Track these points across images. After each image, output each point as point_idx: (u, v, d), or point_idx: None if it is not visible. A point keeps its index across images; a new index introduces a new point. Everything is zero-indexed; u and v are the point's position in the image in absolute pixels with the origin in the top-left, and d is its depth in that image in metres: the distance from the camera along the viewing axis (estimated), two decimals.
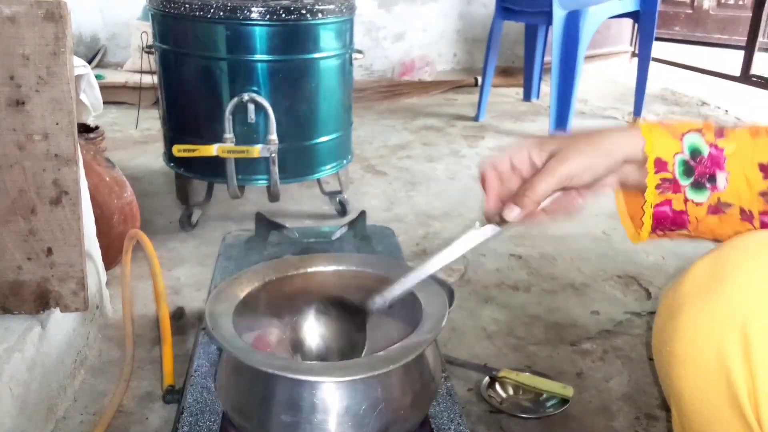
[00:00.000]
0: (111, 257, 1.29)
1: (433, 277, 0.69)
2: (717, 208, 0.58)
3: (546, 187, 0.58)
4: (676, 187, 0.58)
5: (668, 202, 0.59)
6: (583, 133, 0.60)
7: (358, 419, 0.60)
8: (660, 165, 0.58)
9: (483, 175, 0.63)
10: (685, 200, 0.58)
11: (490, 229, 0.61)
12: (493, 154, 0.62)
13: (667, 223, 0.60)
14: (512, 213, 0.59)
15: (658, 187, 0.58)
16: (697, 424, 0.54)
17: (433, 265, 0.65)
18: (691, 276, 0.54)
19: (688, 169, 0.57)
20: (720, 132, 0.57)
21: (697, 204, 0.58)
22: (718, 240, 0.60)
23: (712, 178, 0.57)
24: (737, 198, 0.57)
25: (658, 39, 3.02)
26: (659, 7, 2.71)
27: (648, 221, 0.60)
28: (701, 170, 0.57)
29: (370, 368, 0.59)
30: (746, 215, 0.58)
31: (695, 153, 0.57)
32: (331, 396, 0.60)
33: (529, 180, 0.59)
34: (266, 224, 1.13)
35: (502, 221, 0.60)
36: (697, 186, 0.58)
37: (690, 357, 0.51)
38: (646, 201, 0.59)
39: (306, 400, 0.59)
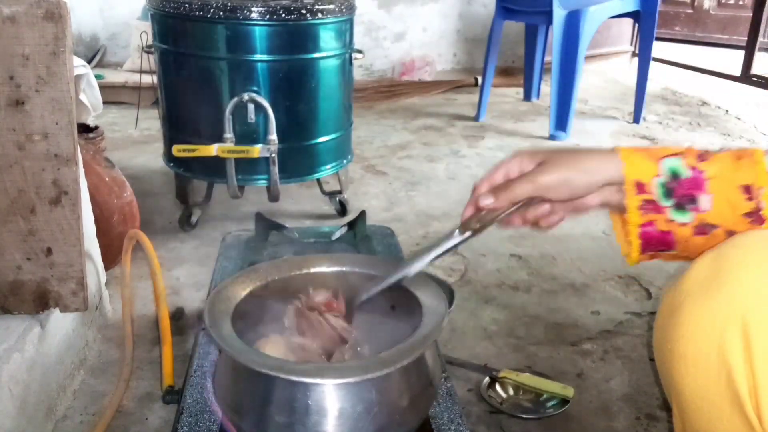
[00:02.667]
0: (111, 257, 1.29)
1: (433, 278, 0.69)
2: (702, 230, 0.58)
3: (522, 191, 0.61)
4: (657, 209, 0.59)
5: (652, 222, 0.60)
6: (570, 151, 0.63)
7: (352, 422, 0.60)
8: (639, 187, 0.59)
9: (475, 187, 0.65)
10: (669, 221, 0.59)
11: (466, 234, 0.64)
12: (489, 171, 0.65)
13: (655, 242, 0.61)
14: (486, 200, 0.62)
15: (640, 208, 0.60)
16: (698, 421, 0.54)
17: (413, 268, 0.66)
18: (692, 274, 0.54)
19: (667, 191, 0.58)
20: (702, 156, 0.58)
21: (681, 225, 0.59)
22: None
23: (694, 200, 0.58)
24: (722, 220, 0.57)
25: (658, 39, 3.01)
26: (659, 6, 2.71)
27: (635, 241, 0.62)
28: (681, 192, 0.58)
29: (364, 371, 0.59)
30: (731, 235, 0.58)
31: (674, 175, 0.58)
32: (325, 398, 0.59)
33: (510, 181, 0.63)
34: (266, 224, 1.13)
35: (478, 230, 0.63)
36: (679, 208, 0.58)
37: (691, 354, 0.51)
38: (630, 222, 0.61)
39: (300, 401, 0.59)
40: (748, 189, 0.56)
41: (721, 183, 0.57)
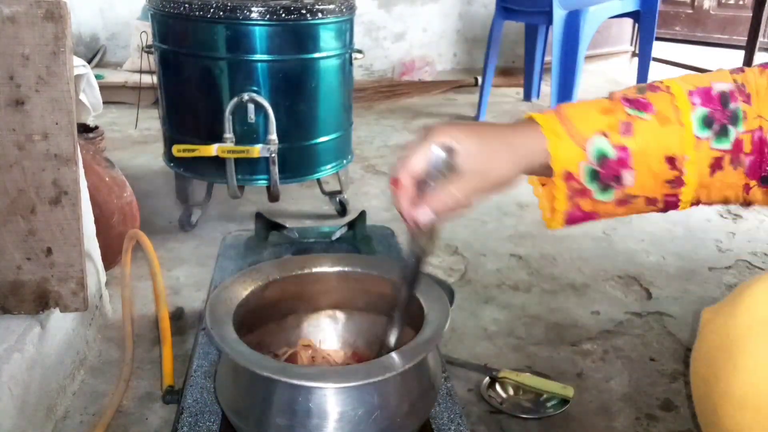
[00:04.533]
0: (111, 257, 1.29)
1: (433, 278, 0.69)
2: (623, 201, 0.59)
3: (447, 206, 0.55)
4: (583, 192, 0.58)
5: (577, 206, 0.60)
6: (485, 133, 0.57)
7: (353, 426, 0.59)
8: (568, 176, 0.58)
9: (395, 181, 0.58)
10: (594, 201, 0.59)
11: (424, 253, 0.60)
12: (402, 157, 0.57)
13: (579, 221, 0.61)
14: (424, 217, 0.56)
15: (568, 198, 0.59)
16: None
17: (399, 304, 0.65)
18: (752, 305, 0.50)
19: (594, 175, 0.57)
20: (626, 128, 0.56)
21: (605, 202, 0.59)
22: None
23: (618, 179, 0.57)
24: (642, 190, 0.58)
25: (658, 39, 3.02)
26: (659, 6, 2.71)
27: (560, 219, 0.61)
28: (607, 173, 0.57)
29: (365, 375, 0.59)
30: (650, 201, 0.59)
31: (602, 158, 0.56)
32: (326, 401, 0.59)
33: (434, 196, 0.55)
34: (266, 224, 1.13)
35: (432, 238, 0.59)
36: (604, 188, 0.58)
37: (750, 399, 0.48)
38: (555, 207, 0.60)
39: (301, 404, 0.59)
40: (671, 160, 0.56)
41: (645, 157, 0.56)
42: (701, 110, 0.56)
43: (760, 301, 0.50)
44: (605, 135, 0.56)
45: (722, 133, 0.56)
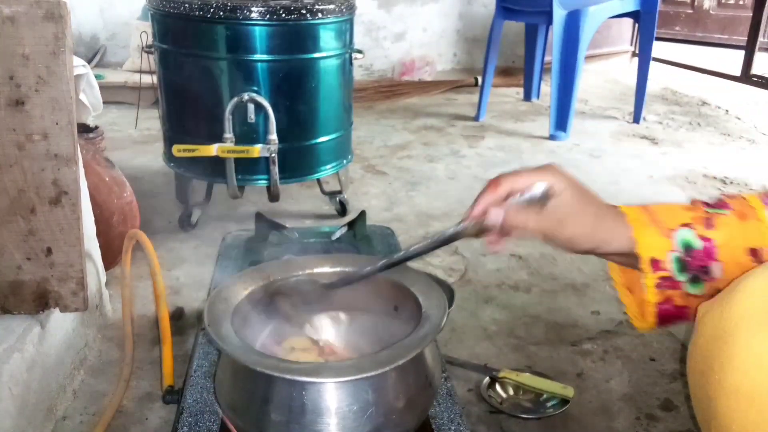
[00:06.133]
0: (111, 257, 1.29)
1: (433, 278, 0.69)
2: (713, 296, 0.58)
3: (527, 233, 0.61)
4: (674, 284, 0.59)
5: (669, 299, 0.60)
6: (591, 199, 0.62)
7: (348, 422, 0.60)
8: (655, 264, 0.59)
9: (495, 181, 0.63)
10: (685, 295, 0.59)
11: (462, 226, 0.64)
12: (512, 172, 0.63)
13: (672, 318, 0.61)
14: (495, 219, 0.62)
15: (657, 286, 0.59)
16: None
17: (413, 250, 0.68)
18: (746, 297, 0.51)
19: (683, 266, 0.58)
20: (708, 222, 0.58)
21: (697, 296, 0.59)
22: None
23: (707, 271, 0.58)
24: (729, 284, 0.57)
25: (658, 39, 3.02)
26: (659, 6, 2.71)
27: (652, 319, 0.61)
28: (695, 264, 0.58)
29: (360, 370, 0.59)
30: None
31: (688, 248, 0.58)
32: (320, 397, 0.59)
33: (525, 216, 0.61)
34: (266, 224, 1.13)
35: (478, 234, 0.64)
36: (694, 281, 0.58)
37: (745, 389, 0.48)
38: (646, 299, 0.60)
39: (296, 400, 0.59)
40: (755, 252, 0.57)
41: (729, 249, 0.57)
42: None
43: (754, 294, 0.51)
44: (690, 227, 0.58)
45: None
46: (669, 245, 0.58)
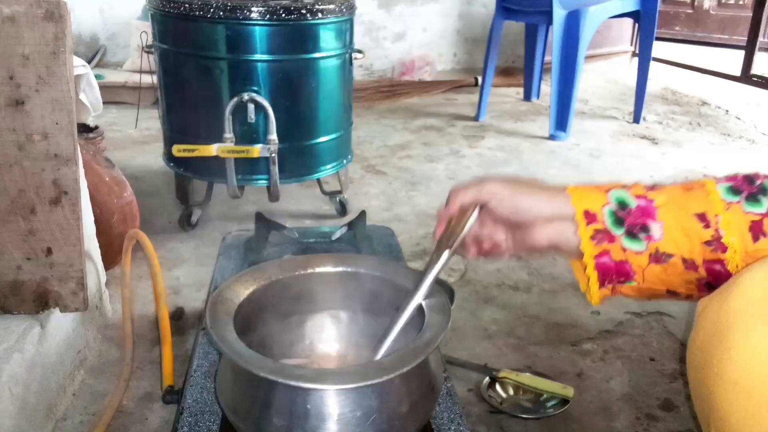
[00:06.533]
0: (111, 257, 1.29)
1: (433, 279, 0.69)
2: (657, 258, 0.58)
3: (468, 194, 0.65)
4: (610, 237, 0.59)
5: (606, 252, 0.59)
6: (523, 182, 0.65)
7: (351, 428, 0.59)
8: (589, 216, 0.59)
9: (450, 199, 0.68)
10: (623, 249, 0.59)
11: (445, 255, 0.66)
12: (458, 188, 0.67)
13: (612, 273, 0.60)
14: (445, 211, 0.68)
15: (592, 238, 0.59)
16: None
17: (418, 298, 0.68)
18: (744, 290, 0.51)
19: (617, 219, 0.58)
20: (650, 187, 0.59)
21: (636, 253, 0.58)
22: (672, 291, 0.60)
23: (645, 228, 0.57)
24: (676, 248, 0.57)
25: (658, 39, 3.02)
26: (659, 6, 2.71)
27: (592, 273, 0.61)
28: (632, 220, 0.58)
29: (363, 377, 0.59)
30: (689, 264, 0.57)
31: (622, 204, 0.59)
32: (324, 403, 0.59)
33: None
34: (266, 224, 1.13)
35: (452, 245, 0.66)
36: (631, 235, 0.58)
37: (742, 381, 0.48)
38: (583, 250, 0.60)
39: (299, 405, 0.59)
40: (702, 217, 0.56)
41: (671, 211, 0.57)
42: (725, 184, 0.57)
43: (753, 287, 0.50)
44: (626, 188, 0.59)
45: (752, 198, 0.55)
46: (604, 199, 0.59)
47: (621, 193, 0.59)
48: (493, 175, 0.67)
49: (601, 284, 0.61)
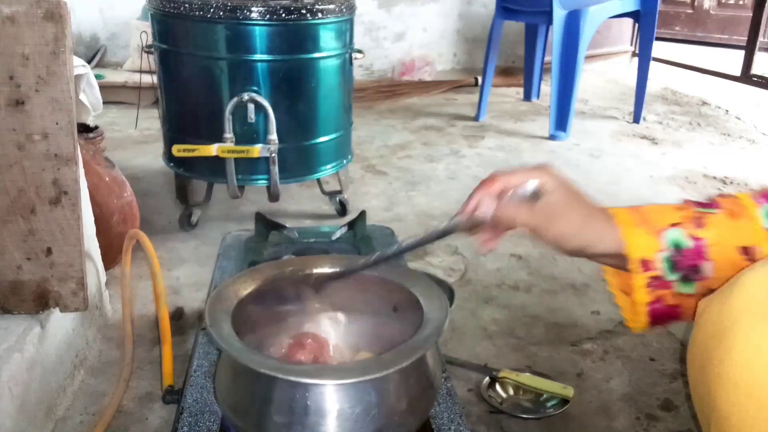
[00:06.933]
0: (111, 257, 1.29)
1: (433, 278, 0.69)
2: (706, 295, 0.58)
3: (516, 224, 0.63)
4: (664, 284, 0.59)
5: (661, 299, 0.60)
6: (582, 199, 0.63)
7: (351, 423, 0.59)
8: (645, 264, 0.59)
9: (490, 178, 0.64)
10: (677, 294, 0.59)
11: (456, 220, 0.66)
12: (507, 170, 0.65)
13: (664, 317, 0.61)
14: (486, 209, 0.64)
15: (648, 285, 0.59)
16: None
17: (399, 251, 0.70)
18: (745, 290, 0.51)
19: (673, 265, 0.58)
20: (698, 221, 0.58)
21: (688, 295, 0.59)
22: None
23: (697, 270, 0.58)
24: (722, 282, 0.56)
25: (658, 39, 3.02)
26: (660, 6, 2.71)
27: (644, 318, 0.61)
28: (685, 263, 0.58)
29: (362, 372, 0.59)
30: None
31: (678, 248, 0.58)
32: (323, 399, 0.59)
33: (514, 207, 0.63)
34: (266, 224, 1.13)
35: (471, 229, 0.65)
36: (685, 280, 0.58)
37: (743, 381, 0.48)
38: (636, 300, 0.60)
39: (298, 401, 0.59)
40: (746, 250, 0.56)
41: (721, 248, 0.57)
42: (766, 205, 0.57)
43: (754, 287, 0.50)
44: (679, 226, 0.58)
45: None
46: (658, 245, 0.58)
47: (675, 235, 0.58)
48: (549, 166, 0.65)
49: (651, 326, 0.62)
